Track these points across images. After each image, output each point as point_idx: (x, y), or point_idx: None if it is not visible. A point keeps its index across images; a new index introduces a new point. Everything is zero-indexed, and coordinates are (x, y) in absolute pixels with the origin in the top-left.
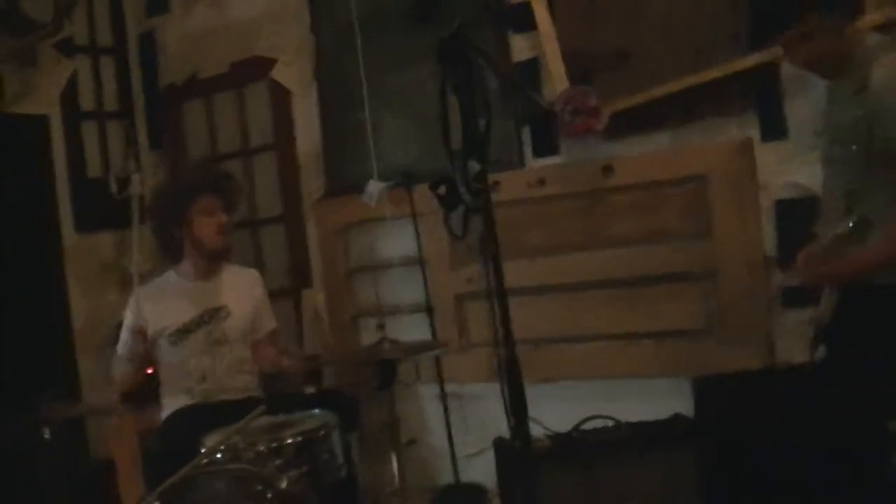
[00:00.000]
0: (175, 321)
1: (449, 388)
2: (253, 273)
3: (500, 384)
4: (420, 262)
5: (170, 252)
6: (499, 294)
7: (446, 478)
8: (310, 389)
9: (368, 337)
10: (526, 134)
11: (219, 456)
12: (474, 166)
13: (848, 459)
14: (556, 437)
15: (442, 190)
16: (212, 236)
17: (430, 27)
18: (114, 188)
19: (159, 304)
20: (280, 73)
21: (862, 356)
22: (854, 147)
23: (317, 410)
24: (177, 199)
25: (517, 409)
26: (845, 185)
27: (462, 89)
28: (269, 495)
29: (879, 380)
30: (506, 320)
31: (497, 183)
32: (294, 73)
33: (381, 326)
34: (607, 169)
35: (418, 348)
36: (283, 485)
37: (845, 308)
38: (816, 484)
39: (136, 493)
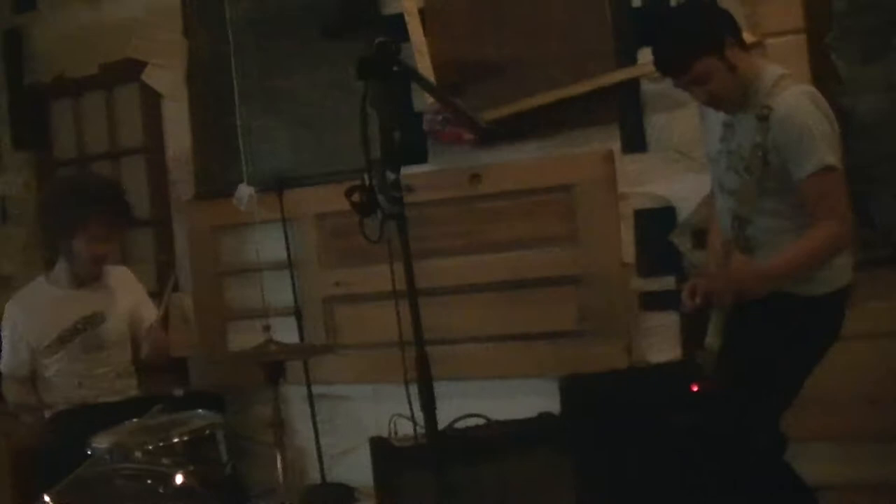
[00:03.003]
0: (50, 333)
1: (316, 389)
2: (125, 271)
3: (406, 383)
4: (290, 265)
5: (51, 251)
6: (411, 295)
7: (313, 477)
8: (178, 392)
9: (237, 339)
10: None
11: (108, 456)
12: (391, 175)
13: (706, 451)
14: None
15: (357, 197)
16: (88, 262)
17: (306, 35)
18: None
19: (33, 318)
20: (151, 76)
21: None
22: (748, 176)
23: (201, 410)
24: (69, 211)
25: (428, 406)
26: (736, 210)
27: (381, 104)
28: (163, 491)
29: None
30: (417, 321)
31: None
32: (166, 76)
33: (267, 328)
34: (475, 177)
35: (308, 350)
36: (179, 481)
37: (736, 319)
38: (678, 475)
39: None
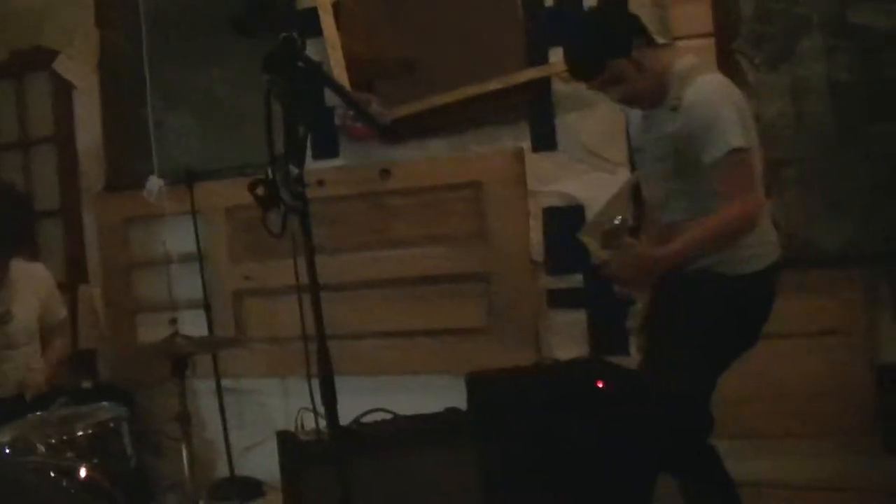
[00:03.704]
0: None
1: (224, 382)
2: (38, 268)
3: (308, 377)
4: (199, 258)
5: None
6: (313, 290)
7: (221, 472)
8: (86, 384)
9: (146, 332)
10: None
11: (10, 450)
12: (294, 170)
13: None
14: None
15: (260, 190)
16: None
17: (219, 28)
18: None
19: None
20: (62, 66)
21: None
22: (662, 162)
23: (105, 403)
24: None
25: (329, 401)
26: (656, 195)
27: (286, 98)
28: (67, 485)
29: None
30: (318, 315)
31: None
32: (77, 66)
33: (173, 321)
34: (384, 172)
35: (215, 343)
36: (83, 474)
37: (659, 301)
38: (583, 470)
39: None
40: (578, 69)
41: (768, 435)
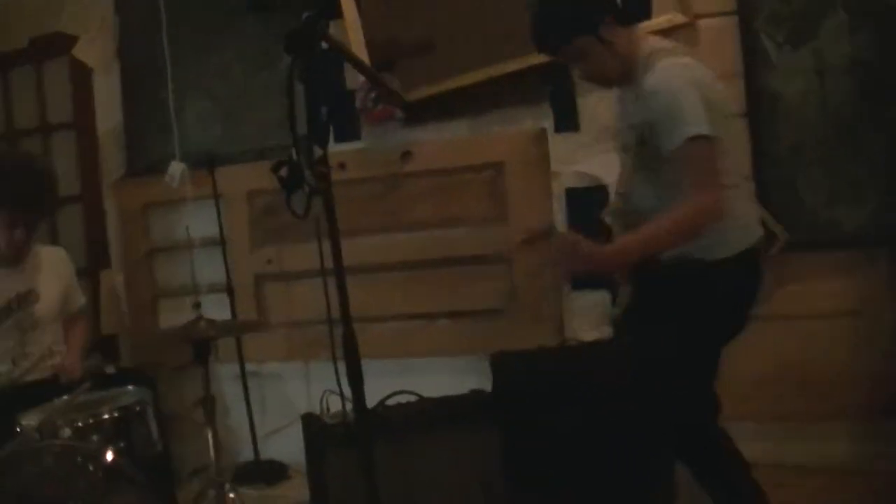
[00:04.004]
0: None
1: (248, 367)
2: (60, 252)
3: (334, 361)
4: (221, 242)
5: None
6: (338, 272)
7: (246, 455)
8: (109, 369)
9: (167, 317)
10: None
11: (37, 434)
12: (317, 151)
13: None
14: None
15: (284, 172)
16: (2, 245)
17: (236, 8)
18: None
19: None
20: (82, 51)
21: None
22: (629, 151)
23: (131, 387)
24: None
25: (355, 384)
26: (626, 184)
27: (308, 79)
28: (93, 469)
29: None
30: (344, 298)
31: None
32: (96, 50)
33: (196, 305)
34: (406, 154)
35: (238, 327)
36: (109, 458)
37: (641, 290)
38: (607, 453)
39: None
40: (542, 42)
41: (791, 417)
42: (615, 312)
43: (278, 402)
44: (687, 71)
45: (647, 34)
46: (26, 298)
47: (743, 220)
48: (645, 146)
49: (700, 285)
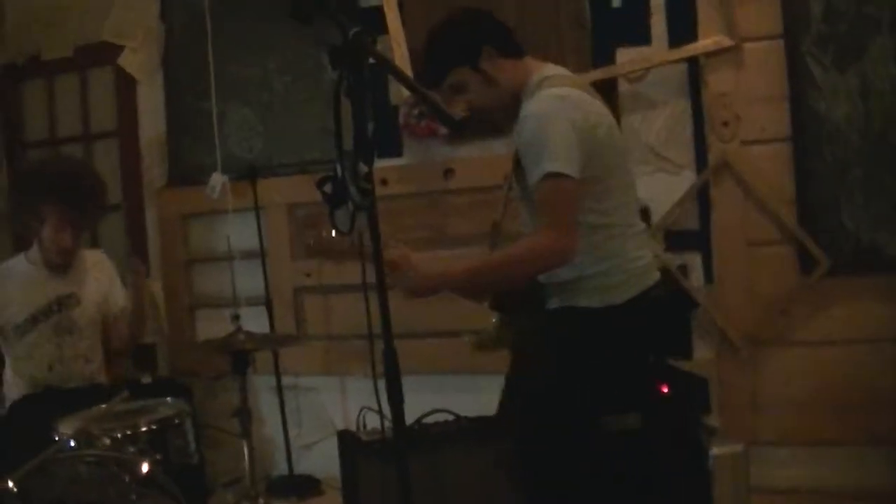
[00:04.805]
0: (23, 311)
1: (285, 380)
2: (100, 255)
3: (374, 377)
4: (261, 255)
5: (25, 231)
6: (380, 288)
7: (280, 468)
8: (145, 378)
9: (205, 327)
10: None
11: (73, 443)
12: (362, 167)
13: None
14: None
15: (328, 188)
16: (51, 248)
17: (283, 22)
18: None
19: (6, 293)
20: (127, 61)
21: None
22: (514, 180)
23: (169, 398)
24: (32, 191)
25: (395, 402)
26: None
27: (355, 94)
28: (129, 480)
29: None
30: (385, 313)
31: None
32: (141, 60)
33: (236, 317)
34: (449, 172)
35: (276, 340)
36: (144, 469)
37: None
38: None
39: None
40: (425, 76)
41: (829, 442)
42: (477, 340)
43: (313, 416)
44: (564, 102)
45: (543, 63)
46: (67, 302)
47: (633, 264)
48: (521, 175)
49: (591, 335)
